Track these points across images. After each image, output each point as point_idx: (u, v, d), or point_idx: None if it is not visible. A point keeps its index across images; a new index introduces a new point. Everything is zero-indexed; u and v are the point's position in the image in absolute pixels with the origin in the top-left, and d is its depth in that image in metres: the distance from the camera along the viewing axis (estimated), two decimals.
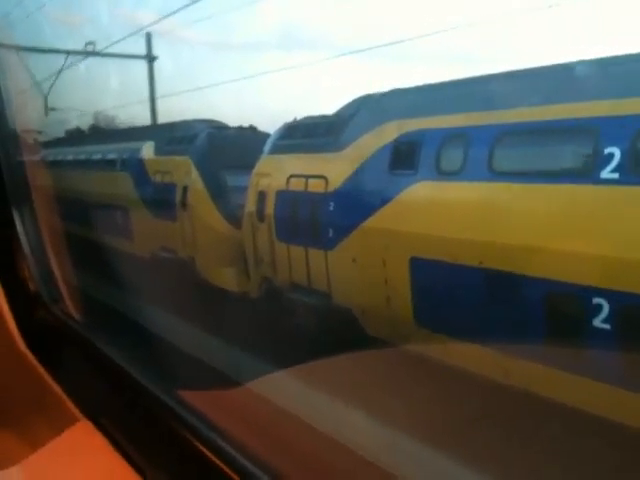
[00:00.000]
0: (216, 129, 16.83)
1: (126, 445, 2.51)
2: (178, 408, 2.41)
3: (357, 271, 9.92)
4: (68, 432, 2.67)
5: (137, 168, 19.15)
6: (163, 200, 16.99)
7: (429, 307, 8.77)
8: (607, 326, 6.42)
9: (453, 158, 8.43)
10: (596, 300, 6.44)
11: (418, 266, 8.79)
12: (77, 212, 17.31)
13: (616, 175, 6.32)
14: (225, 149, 15.33)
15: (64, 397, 2.92)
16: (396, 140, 9.32)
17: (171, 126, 18.84)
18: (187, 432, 2.28)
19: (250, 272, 13.44)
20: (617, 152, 6.31)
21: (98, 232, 18.09)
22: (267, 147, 12.91)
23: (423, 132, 8.88)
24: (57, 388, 3.00)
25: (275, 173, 12.13)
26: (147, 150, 18.96)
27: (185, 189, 15.96)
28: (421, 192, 8.72)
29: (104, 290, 12.79)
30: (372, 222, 9.46)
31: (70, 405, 2.85)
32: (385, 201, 9.24)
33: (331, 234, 10.41)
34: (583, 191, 6.68)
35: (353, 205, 9.97)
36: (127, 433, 2.59)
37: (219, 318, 12.21)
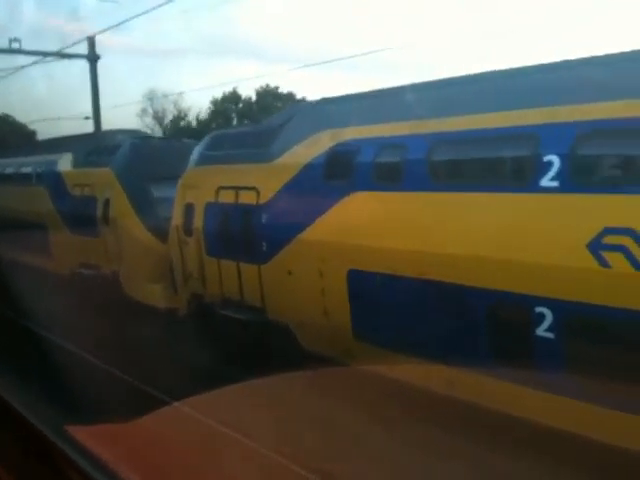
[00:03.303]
0: (140, 139, 16.15)
1: None
2: (69, 449, 2.29)
3: (293, 284, 9.59)
4: None
5: (54, 182, 18.15)
6: (83, 214, 16.10)
7: (368, 320, 8.54)
8: (551, 335, 6.37)
9: (389, 167, 8.27)
10: (539, 309, 6.38)
11: (356, 278, 8.56)
12: None
13: (556, 183, 6.30)
14: (150, 160, 14.68)
15: None
16: (330, 150, 9.08)
17: (91, 137, 17.94)
18: (79, 475, 2.19)
19: (178, 288, 12.86)
20: (556, 160, 6.29)
21: (7, 251, 17.06)
22: (194, 158, 12.40)
23: (358, 141, 8.68)
24: None
25: (203, 185, 11.64)
26: (64, 162, 18.00)
27: (107, 202, 15.19)
28: (358, 202, 8.50)
29: (8, 314, 11.95)
30: (308, 234, 9.16)
31: None
32: (321, 212, 8.97)
33: (265, 247, 10.05)
34: (523, 200, 6.64)
35: (287, 217, 9.65)
36: (17, 476, 2.40)
37: (144, 338, 11.58)
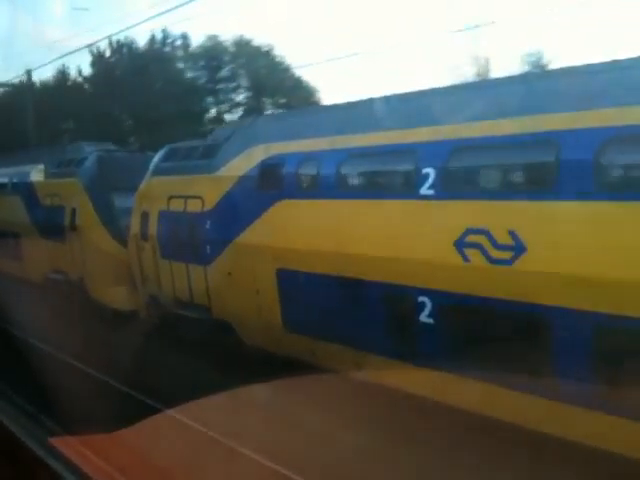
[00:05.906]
0: (105, 152, 17.17)
1: None
2: (52, 462, 2.29)
3: (232, 284, 10.65)
4: None
5: (27, 191, 19.16)
6: (53, 222, 17.12)
7: (295, 313, 9.62)
8: (431, 320, 7.47)
9: (308, 178, 9.38)
10: (421, 299, 7.48)
11: (284, 277, 9.64)
12: None
13: (432, 191, 7.42)
14: (114, 171, 15.70)
15: None
16: (263, 162, 10.17)
17: (61, 149, 18.98)
18: None
19: (137, 290, 13.88)
20: (432, 172, 7.41)
21: None
22: (150, 169, 13.44)
23: (285, 155, 9.77)
24: None
25: (157, 194, 12.69)
26: (36, 173, 19.01)
27: (74, 211, 16.19)
28: (284, 209, 9.59)
29: None
30: (243, 238, 10.25)
31: None
32: (254, 218, 10.05)
33: (209, 250, 11.11)
34: (408, 205, 7.75)
35: (226, 223, 10.71)
36: None
37: (106, 340, 12.44)
